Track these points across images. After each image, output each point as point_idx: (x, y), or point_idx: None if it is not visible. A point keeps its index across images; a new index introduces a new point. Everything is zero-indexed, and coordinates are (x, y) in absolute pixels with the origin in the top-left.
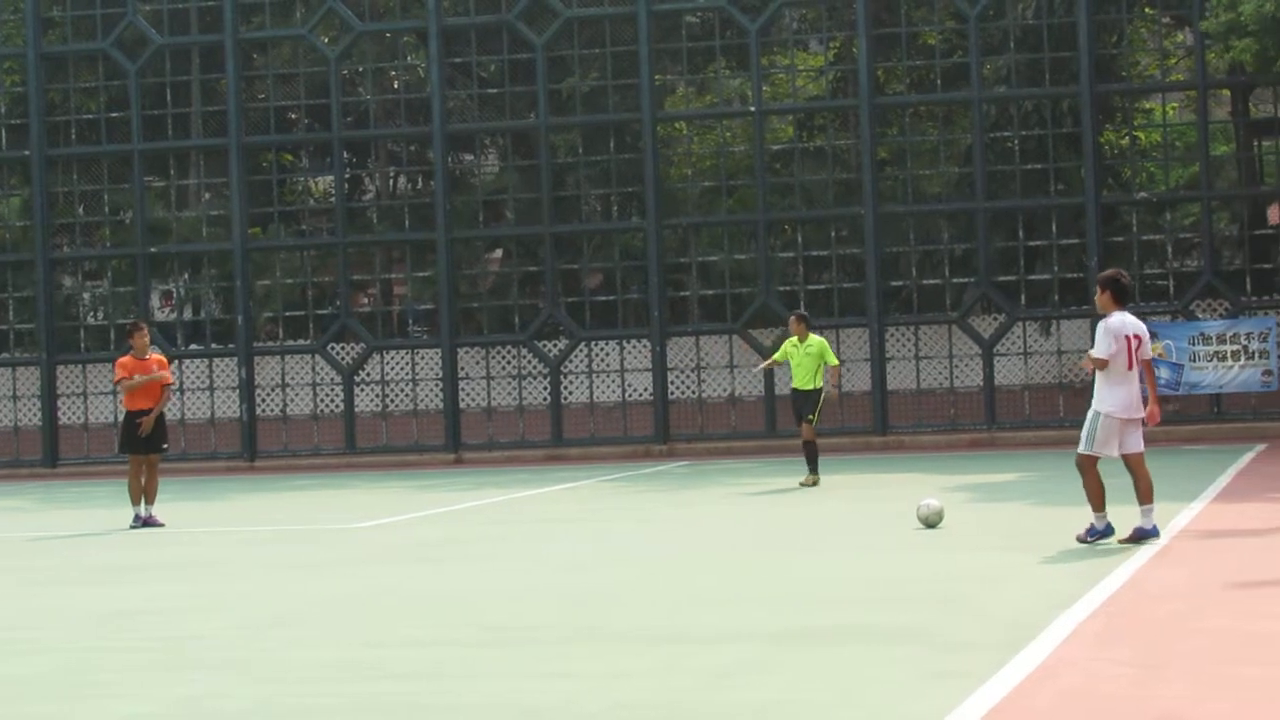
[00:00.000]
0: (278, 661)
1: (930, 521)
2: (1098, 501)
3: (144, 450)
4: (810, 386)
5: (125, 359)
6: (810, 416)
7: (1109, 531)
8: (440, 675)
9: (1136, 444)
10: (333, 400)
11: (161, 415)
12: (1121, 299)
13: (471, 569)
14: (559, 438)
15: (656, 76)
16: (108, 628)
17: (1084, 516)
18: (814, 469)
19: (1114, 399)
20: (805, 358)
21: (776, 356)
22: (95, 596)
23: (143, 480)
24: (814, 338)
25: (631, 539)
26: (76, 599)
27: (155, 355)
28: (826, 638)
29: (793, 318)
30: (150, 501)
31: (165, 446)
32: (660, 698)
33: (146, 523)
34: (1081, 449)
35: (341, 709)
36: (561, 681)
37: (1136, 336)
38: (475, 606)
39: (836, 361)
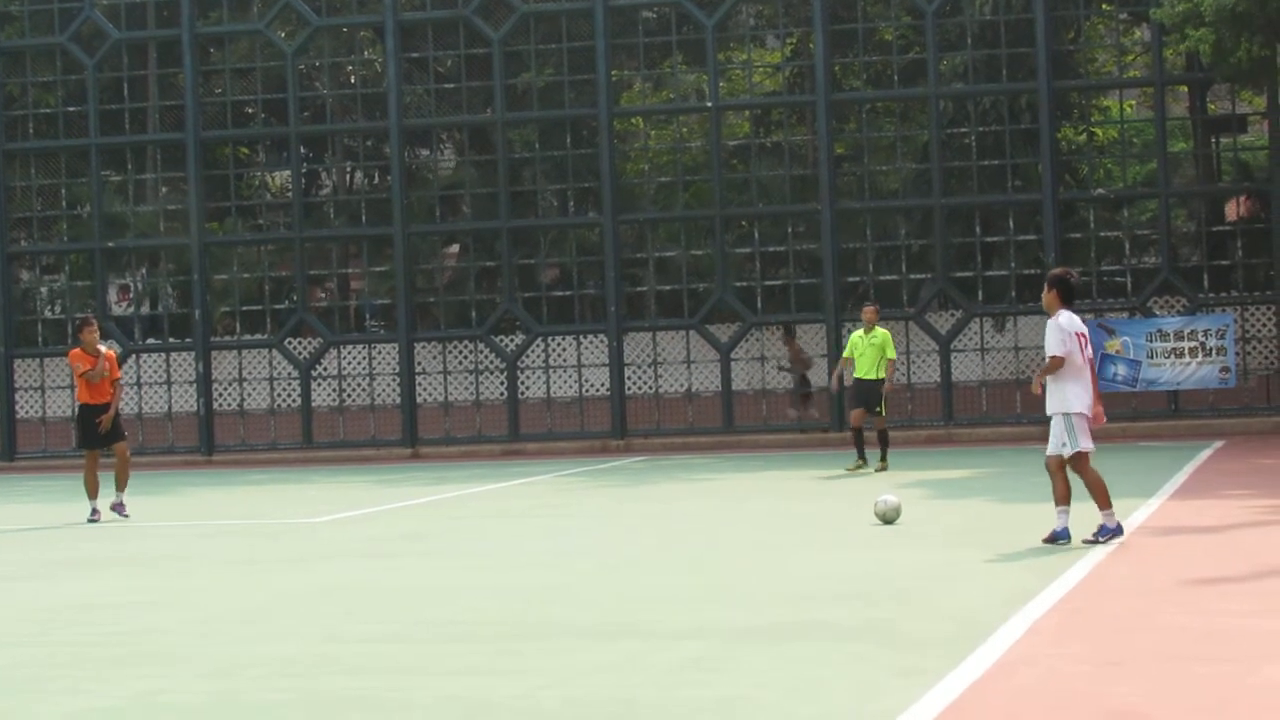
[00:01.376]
0: (233, 656)
1: (888, 517)
2: (1104, 498)
3: (101, 445)
4: (874, 376)
5: (77, 351)
6: (878, 409)
7: (1119, 531)
8: (395, 670)
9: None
10: (290, 395)
11: (116, 408)
12: (1068, 298)
13: (428, 564)
14: (516, 433)
15: (613, 72)
16: (63, 622)
17: (1040, 514)
18: (884, 456)
19: (1078, 397)
20: (870, 348)
21: (845, 355)
22: (50, 591)
23: (97, 472)
24: (879, 330)
25: (588, 534)
26: (31, 593)
27: (106, 350)
28: (784, 634)
29: (870, 308)
30: (121, 489)
31: (126, 435)
32: (616, 694)
33: (115, 509)
34: (1058, 451)
35: (297, 704)
36: (517, 677)
37: (1083, 334)
38: (431, 602)
39: (894, 355)
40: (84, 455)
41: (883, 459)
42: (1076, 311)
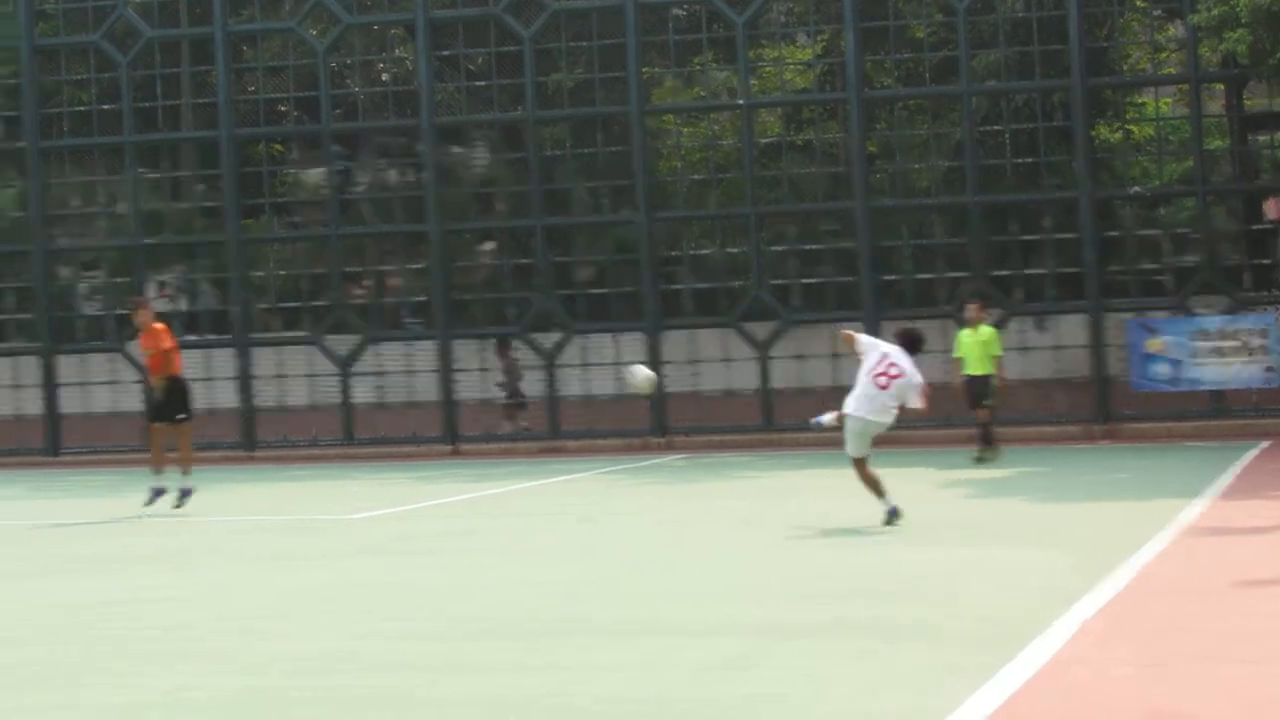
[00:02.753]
0: (264, 653)
1: (641, 389)
2: (876, 492)
3: (162, 418)
4: (983, 371)
5: (140, 337)
6: (988, 402)
7: (895, 512)
8: (426, 667)
9: None
10: (329, 391)
11: (182, 383)
12: (908, 349)
13: (465, 561)
14: (556, 430)
15: (644, 69)
16: (98, 617)
17: (1087, 513)
18: (987, 444)
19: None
20: (977, 344)
21: (956, 355)
22: (88, 585)
23: (162, 448)
24: (984, 327)
25: (627, 532)
26: (67, 588)
27: (156, 325)
28: (822, 633)
29: (974, 305)
30: (185, 472)
31: (181, 416)
32: (647, 691)
33: (183, 493)
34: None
35: (326, 701)
36: (548, 674)
37: (892, 364)
38: (465, 599)
39: (999, 352)
40: (136, 446)
41: (982, 449)
42: (1101, 312)
